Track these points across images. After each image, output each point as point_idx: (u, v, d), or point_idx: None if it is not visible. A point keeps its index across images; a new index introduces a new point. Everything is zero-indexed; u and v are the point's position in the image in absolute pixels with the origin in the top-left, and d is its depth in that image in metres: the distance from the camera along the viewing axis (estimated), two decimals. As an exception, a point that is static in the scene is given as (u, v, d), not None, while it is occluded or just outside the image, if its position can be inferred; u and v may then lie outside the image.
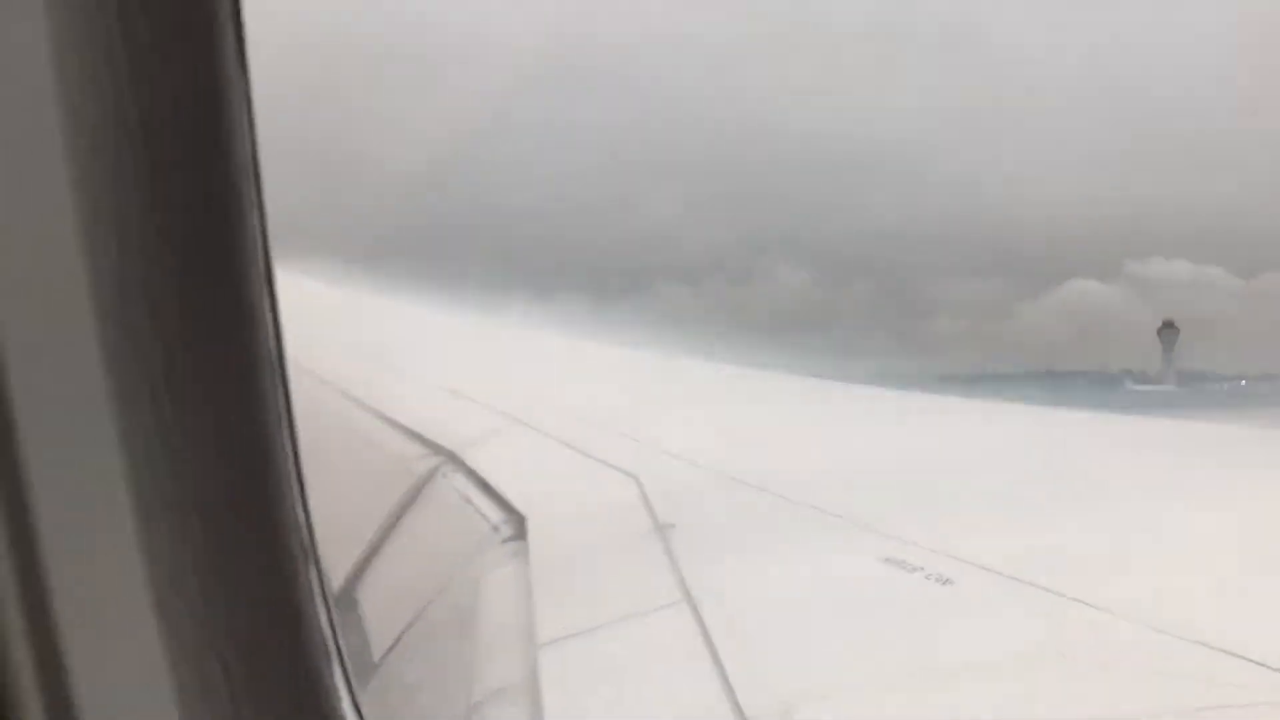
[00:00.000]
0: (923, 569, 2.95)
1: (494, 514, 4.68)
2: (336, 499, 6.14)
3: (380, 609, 4.61)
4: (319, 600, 1.00)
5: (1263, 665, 2.05)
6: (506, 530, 4.46)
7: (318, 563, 1.01)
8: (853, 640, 2.59)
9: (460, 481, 5.37)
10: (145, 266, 0.81)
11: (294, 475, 0.96)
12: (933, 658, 2.38)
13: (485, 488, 5.04)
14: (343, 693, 1.02)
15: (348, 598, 4.99)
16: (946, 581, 2.83)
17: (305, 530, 0.98)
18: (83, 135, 0.77)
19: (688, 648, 2.54)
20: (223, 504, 0.90)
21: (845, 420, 7.75)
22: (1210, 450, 5.68)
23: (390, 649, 4.14)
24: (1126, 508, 3.86)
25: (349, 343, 9.95)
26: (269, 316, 0.92)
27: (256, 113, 0.88)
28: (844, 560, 3.25)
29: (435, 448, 6.08)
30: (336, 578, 5.29)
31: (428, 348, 10.13)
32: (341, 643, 1.05)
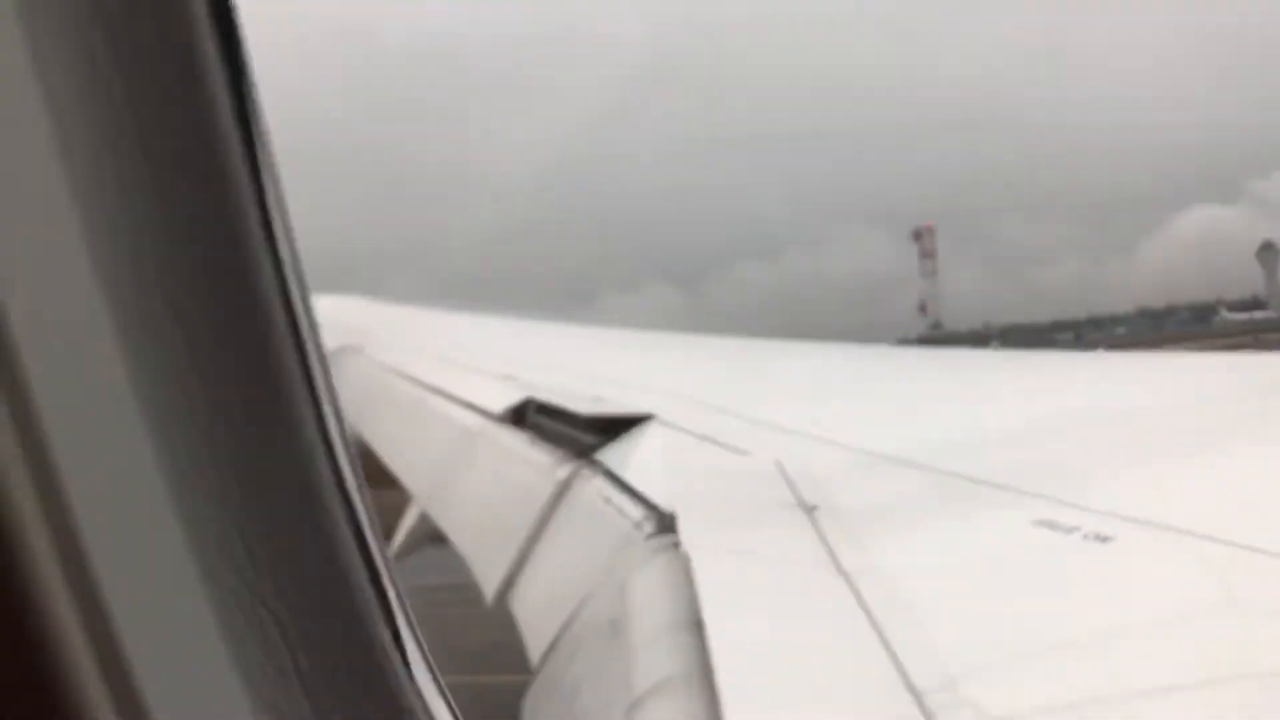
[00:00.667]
0: (1079, 528, 2.85)
1: (636, 512, 4.73)
2: (481, 511, 6.31)
3: (532, 616, 4.71)
4: (373, 566, 1.02)
5: None
6: (649, 527, 4.50)
7: (361, 528, 1.02)
8: (1011, 607, 2.53)
9: (600, 483, 5.44)
10: (159, 253, 0.85)
11: (330, 444, 0.98)
12: (1094, 619, 2.30)
13: (625, 487, 5.09)
14: (413, 659, 1.04)
15: (500, 607, 5.12)
16: (1105, 539, 2.73)
17: (347, 495, 1.00)
18: (82, 136, 0.81)
19: (852, 627, 2.53)
20: (259, 474, 0.93)
21: (968, 385, 7.60)
22: None
23: (546, 653, 4.23)
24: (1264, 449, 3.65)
25: (477, 359, 10.20)
26: (292, 296, 0.94)
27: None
28: (996, 527, 3.17)
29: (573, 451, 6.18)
30: (489, 589, 5.45)
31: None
32: (408, 611, 1.07)
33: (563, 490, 5.72)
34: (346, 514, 0.99)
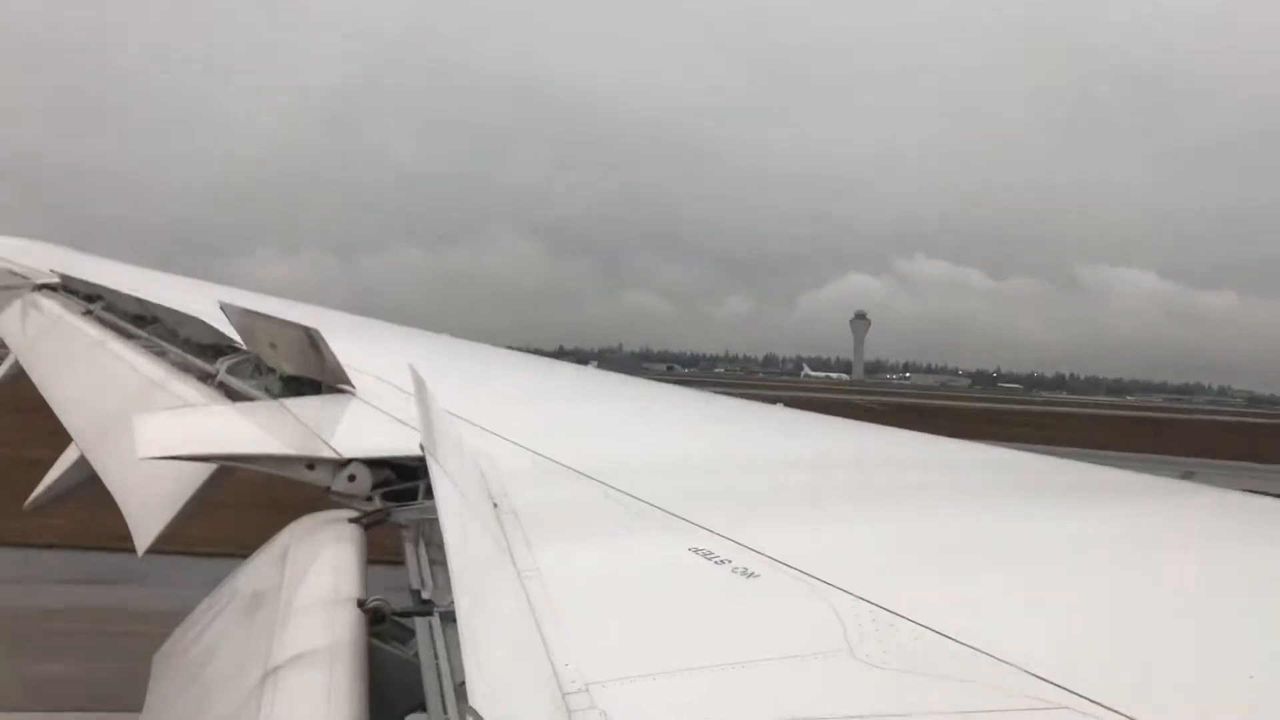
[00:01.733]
0: (730, 561, 3.05)
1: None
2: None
3: None
4: None
5: (1036, 676, 2.21)
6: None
7: None
8: (658, 626, 2.66)
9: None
10: None
11: None
12: (736, 648, 2.45)
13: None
14: None
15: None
16: (752, 575, 2.94)
17: None
18: None
19: (519, 618, 2.62)
20: None
21: (654, 412, 8.03)
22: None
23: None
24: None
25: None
26: None
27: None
28: (657, 548, 3.33)
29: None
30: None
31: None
32: None
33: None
34: None
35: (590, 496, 4.08)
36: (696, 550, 3.18)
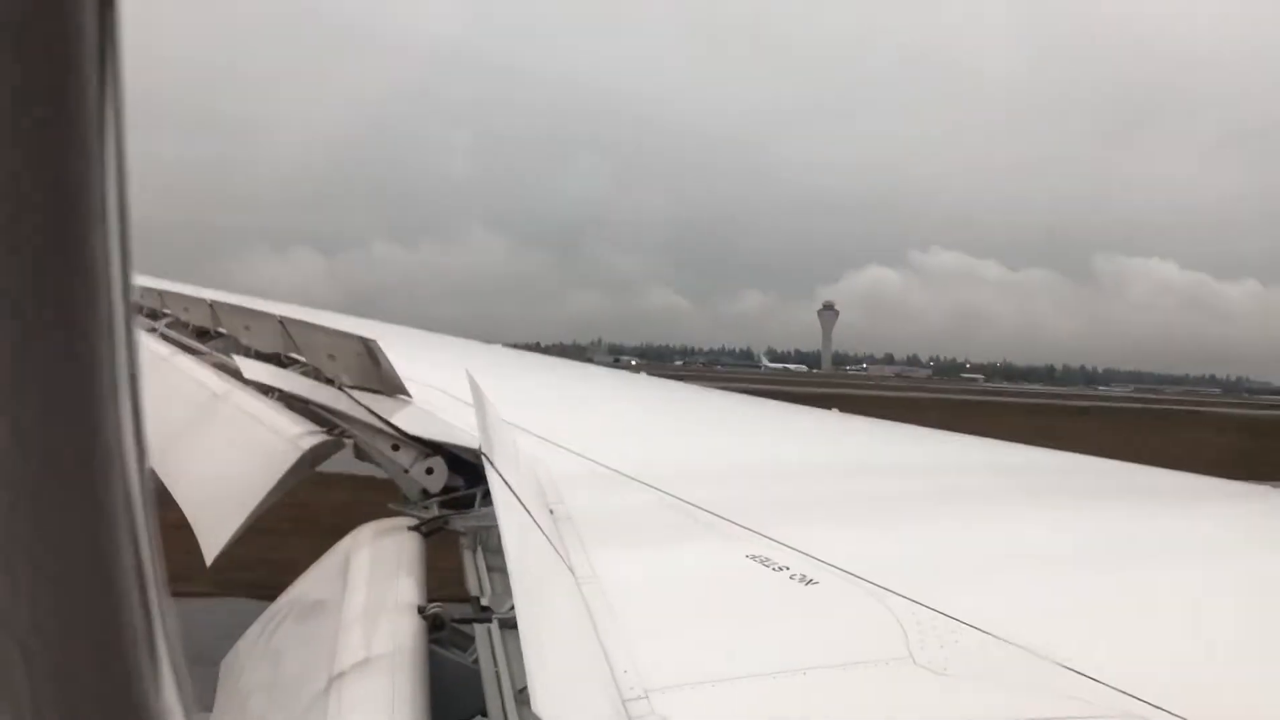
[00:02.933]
0: (788, 568, 3.05)
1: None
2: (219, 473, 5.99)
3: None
4: (141, 587, 0.94)
5: (1096, 680, 2.18)
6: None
7: (138, 547, 0.94)
8: (717, 633, 2.66)
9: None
10: None
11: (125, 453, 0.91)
12: (794, 655, 2.45)
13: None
14: (164, 680, 0.96)
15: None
16: (810, 581, 2.93)
17: (129, 513, 0.92)
18: None
19: (576, 629, 2.61)
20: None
21: (705, 419, 8.04)
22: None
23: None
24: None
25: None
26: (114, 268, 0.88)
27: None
28: (715, 555, 3.33)
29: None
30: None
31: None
32: (167, 632, 0.99)
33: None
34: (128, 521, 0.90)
35: (645, 503, 4.09)
36: (754, 557, 3.17)
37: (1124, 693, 2.11)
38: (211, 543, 5.22)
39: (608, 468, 4.75)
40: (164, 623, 0.93)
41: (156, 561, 0.93)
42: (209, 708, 3.72)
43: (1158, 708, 2.04)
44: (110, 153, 0.82)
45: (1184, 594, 3.03)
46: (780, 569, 3.05)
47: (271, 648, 3.84)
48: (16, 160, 0.77)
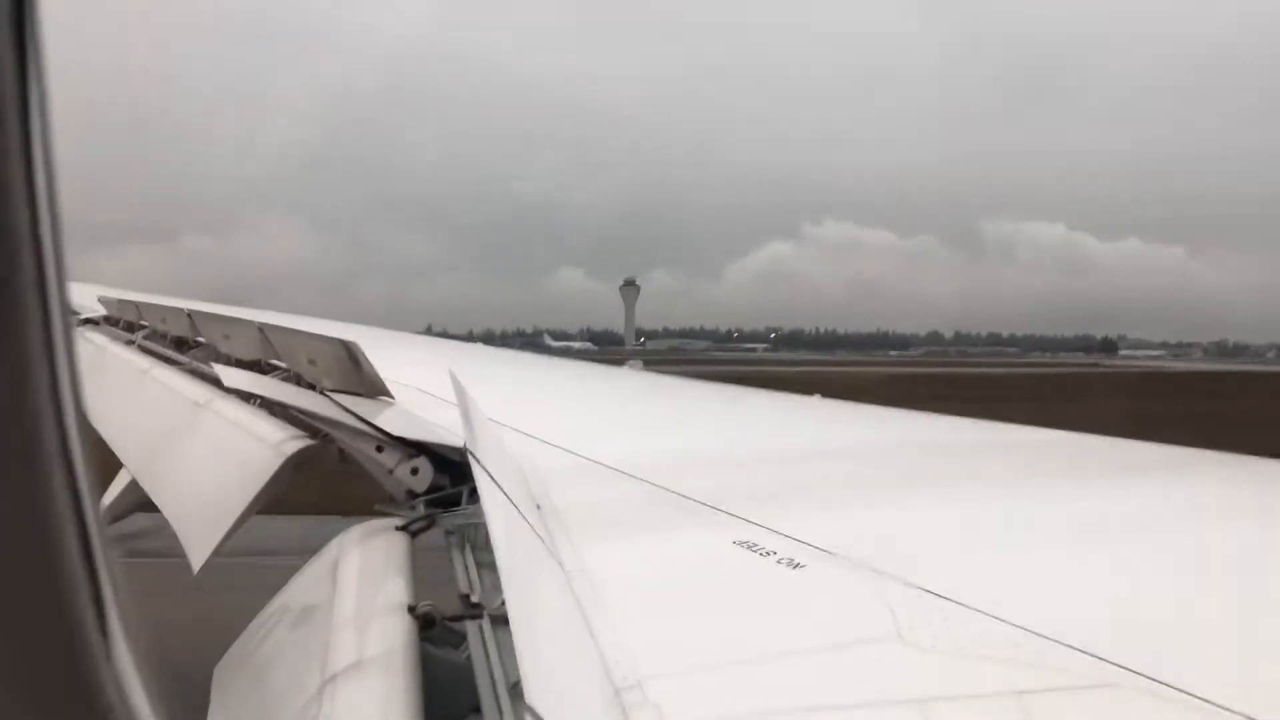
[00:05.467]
0: (775, 553, 3.07)
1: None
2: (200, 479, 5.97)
3: None
4: (102, 594, 0.94)
5: (1086, 653, 2.21)
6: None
7: (92, 554, 0.94)
8: (707, 620, 2.68)
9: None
10: None
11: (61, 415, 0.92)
12: (784, 638, 2.47)
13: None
14: (118, 668, 0.95)
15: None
16: (797, 565, 2.95)
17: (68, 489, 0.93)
18: None
19: (569, 617, 2.65)
20: None
21: (681, 408, 8.08)
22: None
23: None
24: None
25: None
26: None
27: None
28: (701, 542, 3.35)
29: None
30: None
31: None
32: (120, 620, 0.99)
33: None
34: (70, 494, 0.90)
35: (630, 494, 4.11)
36: (740, 543, 3.19)
37: (1114, 664, 2.14)
38: (198, 552, 5.20)
39: (591, 460, 4.77)
40: (120, 614, 0.94)
41: (109, 558, 0.94)
42: (203, 716, 3.72)
43: (1149, 677, 2.07)
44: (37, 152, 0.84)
45: (1171, 565, 3.06)
46: (767, 554, 3.07)
47: (263, 654, 3.84)
48: None
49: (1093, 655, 2.19)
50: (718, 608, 2.79)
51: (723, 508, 3.70)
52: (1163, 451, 5.53)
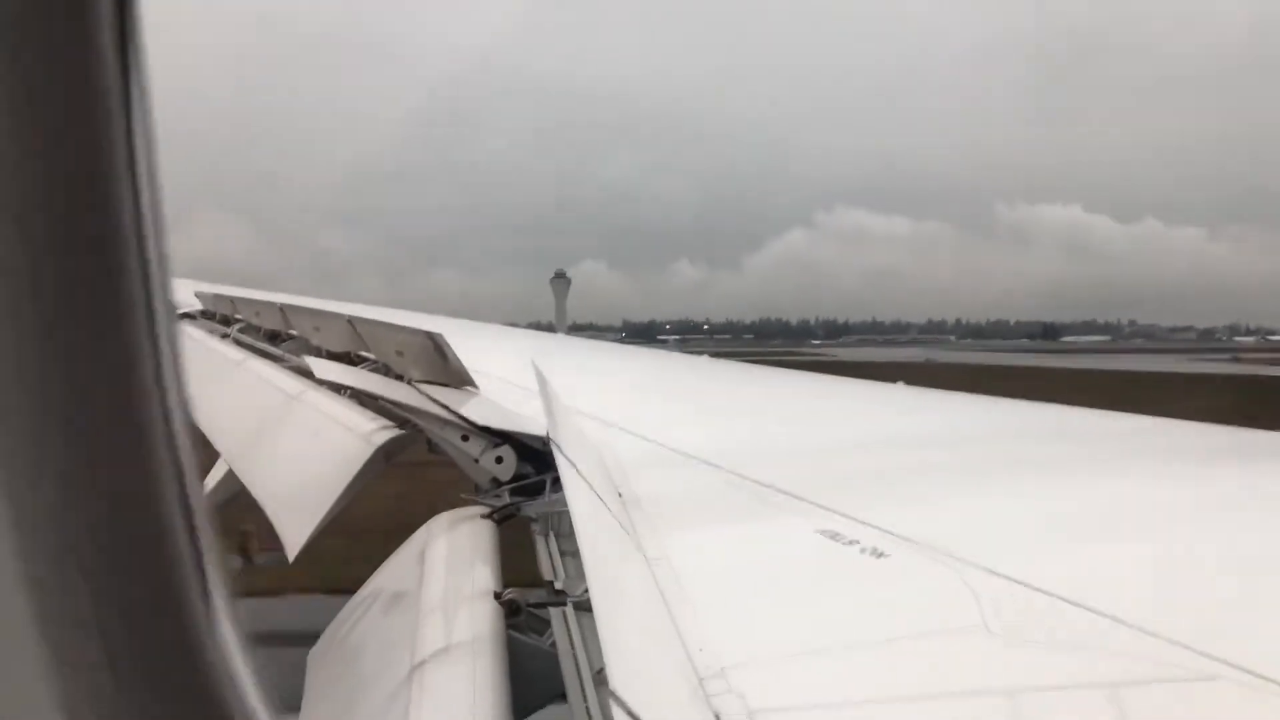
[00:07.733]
0: (858, 542, 3.05)
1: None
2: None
3: None
4: (206, 572, 0.96)
5: (1174, 642, 2.15)
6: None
7: (196, 534, 0.96)
8: (789, 609, 2.68)
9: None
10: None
11: (174, 447, 0.94)
12: (868, 627, 2.46)
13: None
14: (234, 662, 1.00)
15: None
16: (881, 554, 2.93)
17: (185, 498, 0.97)
18: None
19: (652, 605, 2.66)
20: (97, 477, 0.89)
21: (766, 398, 8.03)
22: None
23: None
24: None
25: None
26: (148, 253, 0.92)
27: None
28: (784, 532, 3.34)
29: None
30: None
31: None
32: (233, 617, 1.00)
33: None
34: (180, 499, 0.93)
35: (710, 482, 4.11)
36: (823, 532, 3.17)
37: (1203, 654, 2.08)
38: (293, 540, 5.36)
39: (672, 449, 4.78)
40: (223, 597, 0.98)
41: (212, 543, 0.98)
42: (298, 699, 3.84)
43: (1237, 667, 2.01)
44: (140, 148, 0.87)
45: (1266, 554, 2.96)
46: (851, 543, 3.05)
47: (355, 639, 3.95)
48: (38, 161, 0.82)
49: (1186, 647, 2.13)
50: (801, 597, 2.79)
51: (805, 496, 3.68)
52: (1256, 437, 5.33)
